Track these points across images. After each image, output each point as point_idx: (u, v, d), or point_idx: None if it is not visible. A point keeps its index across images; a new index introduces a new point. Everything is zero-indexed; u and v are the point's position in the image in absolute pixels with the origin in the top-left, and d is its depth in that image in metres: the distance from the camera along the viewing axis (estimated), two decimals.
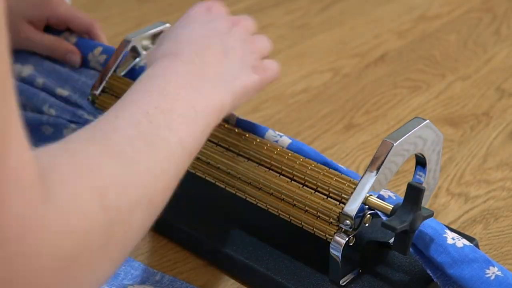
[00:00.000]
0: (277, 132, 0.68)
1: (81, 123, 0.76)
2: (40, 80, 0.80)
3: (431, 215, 0.59)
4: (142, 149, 0.48)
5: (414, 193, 0.57)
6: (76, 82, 0.80)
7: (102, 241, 0.42)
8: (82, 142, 0.46)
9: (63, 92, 0.79)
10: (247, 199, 0.67)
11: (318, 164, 0.64)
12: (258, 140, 0.67)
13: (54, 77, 0.81)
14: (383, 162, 0.60)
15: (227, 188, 0.68)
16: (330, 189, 0.63)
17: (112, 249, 0.43)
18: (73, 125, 0.76)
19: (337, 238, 0.61)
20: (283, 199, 0.65)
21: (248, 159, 0.67)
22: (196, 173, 0.70)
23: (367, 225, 0.61)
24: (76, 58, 0.81)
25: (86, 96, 0.78)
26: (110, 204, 0.42)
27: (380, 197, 0.61)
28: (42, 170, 0.38)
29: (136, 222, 0.45)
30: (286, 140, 0.67)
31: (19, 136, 0.37)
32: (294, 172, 0.65)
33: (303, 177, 0.64)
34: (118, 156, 0.46)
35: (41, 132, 0.78)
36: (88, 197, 0.41)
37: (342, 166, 0.65)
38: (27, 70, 0.82)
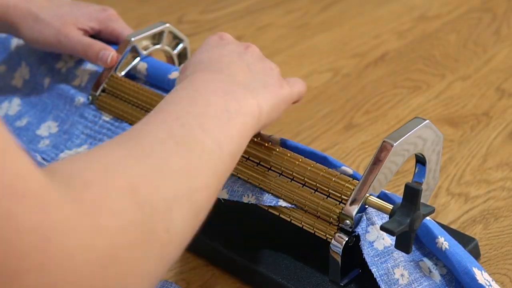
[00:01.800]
0: None
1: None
2: (24, 120, 0.81)
3: (431, 212, 0.59)
4: (174, 149, 0.48)
5: (411, 193, 0.57)
6: (61, 111, 0.80)
7: (141, 237, 0.42)
8: (107, 148, 0.46)
9: (48, 129, 0.79)
10: None
11: (318, 164, 0.64)
12: (255, 140, 0.67)
13: (40, 108, 0.82)
14: (383, 162, 0.60)
15: None
16: (330, 189, 0.63)
17: (155, 245, 0.43)
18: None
19: (337, 238, 0.61)
20: (283, 199, 0.65)
21: (247, 159, 0.67)
22: None
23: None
24: (108, 55, 0.80)
25: (75, 127, 0.78)
26: (143, 201, 0.42)
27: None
28: (62, 176, 0.39)
29: (178, 219, 0.46)
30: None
31: (12, 148, 0.36)
32: (294, 173, 0.65)
33: (303, 177, 0.64)
34: (147, 157, 0.46)
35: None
36: (116, 196, 0.41)
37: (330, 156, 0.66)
38: (15, 106, 0.83)
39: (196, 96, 0.55)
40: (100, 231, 0.39)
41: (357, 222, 0.61)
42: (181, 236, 0.46)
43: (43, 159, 0.76)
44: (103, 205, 0.40)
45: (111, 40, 0.83)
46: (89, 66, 0.83)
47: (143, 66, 0.79)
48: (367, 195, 0.60)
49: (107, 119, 0.77)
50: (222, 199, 0.67)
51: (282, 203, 0.64)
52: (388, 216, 0.60)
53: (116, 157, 0.45)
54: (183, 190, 0.47)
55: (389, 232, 0.56)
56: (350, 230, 0.61)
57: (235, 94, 0.57)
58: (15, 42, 0.88)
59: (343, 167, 0.64)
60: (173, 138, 0.49)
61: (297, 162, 0.65)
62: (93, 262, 0.38)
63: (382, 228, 0.57)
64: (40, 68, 0.84)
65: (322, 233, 0.62)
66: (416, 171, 0.66)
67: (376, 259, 0.61)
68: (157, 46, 0.81)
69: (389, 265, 0.60)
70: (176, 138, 0.49)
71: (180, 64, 0.84)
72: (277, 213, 0.65)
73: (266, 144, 0.67)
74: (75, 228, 0.37)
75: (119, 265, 0.40)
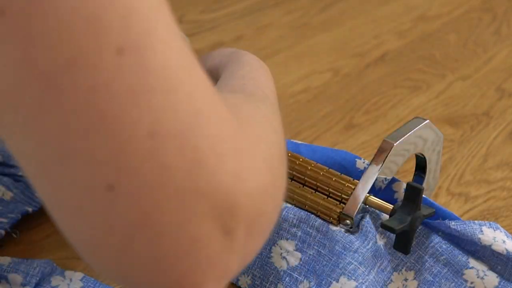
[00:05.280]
0: None
1: None
2: None
3: (431, 213, 0.59)
4: (272, 106, 0.52)
5: (413, 192, 0.57)
6: None
7: (280, 156, 0.45)
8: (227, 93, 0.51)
9: None
10: None
11: (318, 164, 0.64)
12: None
13: None
14: (383, 162, 0.60)
15: None
16: (330, 189, 0.63)
17: (284, 168, 0.46)
18: None
19: None
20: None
21: None
22: None
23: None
24: None
25: None
26: (275, 129, 0.47)
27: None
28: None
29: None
30: None
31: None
32: (294, 173, 0.64)
33: (303, 177, 0.64)
34: (263, 103, 0.50)
35: None
36: (261, 121, 0.46)
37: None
38: None
39: (267, 74, 0.59)
40: (261, 139, 0.43)
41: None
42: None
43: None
44: (257, 126, 0.44)
45: None
46: None
47: None
48: (367, 195, 0.60)
49: None
50: None
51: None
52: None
53: (242, 97, 0.50)
54: (283, 137, 0.49)
55: (390, 229, 0.56)
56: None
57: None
58: None
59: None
60: (267, 98, 0.53)
61: (297, 162, 0.65)
62: (264, 161, 0.41)
63: (383, 226, 0.57)
64: None
65: None
66: (416, 171, 0.66)
67: None
68: None
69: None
70: (268, 98, 0.53)
71: None
72: None
73: None
74: (248, 134, 0.41)
75: (276, 170, 0.43)
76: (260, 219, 0.40)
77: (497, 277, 0.60)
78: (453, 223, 0.60)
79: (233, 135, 0.38)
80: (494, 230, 0.59)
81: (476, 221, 0.60)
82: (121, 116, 0.34)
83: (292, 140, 0.68)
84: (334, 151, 0.66)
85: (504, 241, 0.59)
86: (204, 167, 0.36)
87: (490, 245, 0.59)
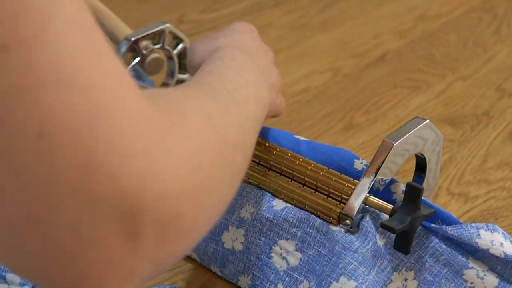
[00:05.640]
0: None
1: None
2: None
3: (431, 213, 0.59)
4: (231, 102, 0.51)
5: (413, 192, 0.57)
6: None
7: (217, 158, 0.43)
8: (181, 88, 0.51)
9: None
10: None
11: (318, 164, 0.64)
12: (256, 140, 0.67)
13: None
14: (383, 162, 0.60)
15: None
16: (330, 189, 0.62)
17: (227, 172, 0.45)
18: None
19: None
20: (283, 199, 0.65)
21: None
22: None
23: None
24: None
25: None
26: (217, 129, 0.45)
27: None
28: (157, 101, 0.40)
29: (239, 162, 0.47)
30: None
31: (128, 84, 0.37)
32: (294, 173, 0.64)
33: (303, 177, 0.64)
34: (214, 100, 0.49)
35: None
36: (197, 119, 0.43)
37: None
38: None
39: (241, 69, 0.58)
40: (189, 137, 0.40)
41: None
42: (238, 180, 0.48)
43: None
44: (188, 123, 0.42)
45: None
46: None
47: None
48: (367, 195, 0.60)
49: None
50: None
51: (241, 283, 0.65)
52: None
53: (192, 92, 0.49)
54: (240, 138, 0.49)
55: (390, 229, 0.56)
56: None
57: (261, 82, 0.60)
58: None
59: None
60: (229, 94, 0.52)
61: (297, 162, 0.64)
62: (186, 161, 0.39)
63: (383, 226, 0.57)
64: None
65: None
66: (416, 171, 0.66)
67: None
68: (157, 46, 0.81)
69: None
70: (230, 94, 0.52)
71: (180, 64, 0.84)
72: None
73: (267, 144, 0.67)
74: (170, 132, 0.39)
75: (204, 172, 0.40)
76: (176, 222, 0.37)
77: (497, 277, 0.60)
78: (449, 228, 0.59)
79: (145, 134, 0.36)
80: (492, 232, 0.59)
81: (473, 224, 0.60)
82: (6, 115, 0.33)
83: (293, 135, 0.68)
84: (333, 150, 0.65)
85: (501, 244, 0.59)
86: (101, 168, 0.34)
87: (487, 249, 0.59)
